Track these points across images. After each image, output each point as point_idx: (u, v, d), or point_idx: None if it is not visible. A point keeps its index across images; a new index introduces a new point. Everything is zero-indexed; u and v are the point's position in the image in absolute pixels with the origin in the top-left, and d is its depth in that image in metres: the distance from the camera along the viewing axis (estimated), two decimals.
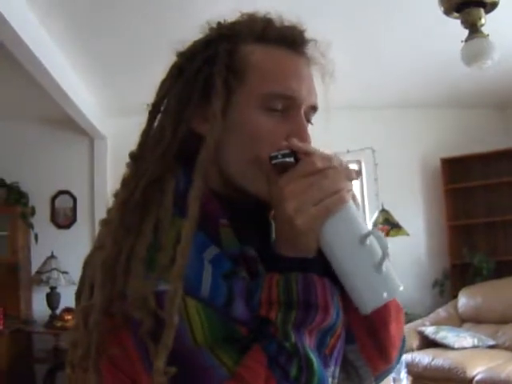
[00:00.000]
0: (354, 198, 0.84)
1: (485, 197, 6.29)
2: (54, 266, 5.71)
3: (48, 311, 5.75)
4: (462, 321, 5.59)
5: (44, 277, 5.65)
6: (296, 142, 0.85)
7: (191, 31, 0.97)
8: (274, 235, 0.95)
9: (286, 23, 0.94)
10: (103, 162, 6.19)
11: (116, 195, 0.91)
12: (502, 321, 5.31)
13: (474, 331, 5.27)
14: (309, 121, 0.93)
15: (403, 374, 3.77)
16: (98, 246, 0.87)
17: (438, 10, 3.47)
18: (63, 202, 6.20)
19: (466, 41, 3.57)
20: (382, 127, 6.23)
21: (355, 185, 0.86)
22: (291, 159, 0.83)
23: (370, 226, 0.81)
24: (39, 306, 5.88)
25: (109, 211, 0.91)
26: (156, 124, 0.92)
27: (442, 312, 5.65)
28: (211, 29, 0.95)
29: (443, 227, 6.21)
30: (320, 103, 0.95)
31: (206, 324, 0.75)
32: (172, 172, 0.87)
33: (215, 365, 0.74)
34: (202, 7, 3.02)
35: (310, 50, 0.94)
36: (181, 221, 0.81)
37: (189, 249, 0.77)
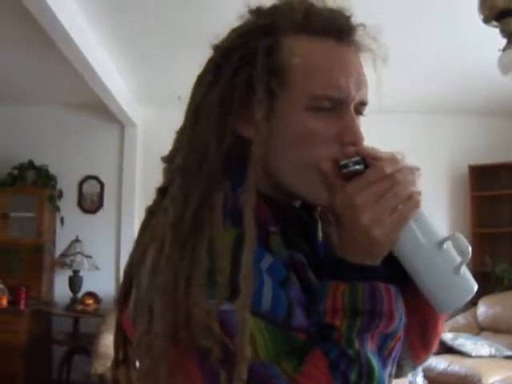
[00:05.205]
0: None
1: (511, 206, 6.25)
2: (78, 249, 5.75)
3: (69, 294, 5.82)
4: (480, 329, 5.57)
5: (68, 260, 5.70)
6: (364, 148, 0.82)
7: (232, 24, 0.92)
8: (320, 236, 0.93)
9: (330, 8, 0.86)
10: (133, 149, 6.22)
11: (161, 191, 0.89)
12: None
13: (491, 340, 5.26)
14: (361, 113, 0.88)
15: (419, 378, 3.78)
16: (143, 247, 0.85)
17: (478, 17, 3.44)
18: (90, 187, 6.24)
19: (504, 50, 3.54)
20: (410, 132, 6.19)
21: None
22: (361, 167, 0.80)
23: (444, 230, 0.81)
24: (61, 289, 5.95)
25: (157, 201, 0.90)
26: (197, 130, 0.86)
27: (460, 319, 5.63)
28: (251, 13, 0.89)
29: (467, 234, 6.16)
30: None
31: (269, 342, 0.75)
32: (220, 185, 0.83)
33: (276, 374, 0.73)
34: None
35: (358, 36, 0.86)
36: (233, 230, 0.79)
37: (251, 275, 0.75)
